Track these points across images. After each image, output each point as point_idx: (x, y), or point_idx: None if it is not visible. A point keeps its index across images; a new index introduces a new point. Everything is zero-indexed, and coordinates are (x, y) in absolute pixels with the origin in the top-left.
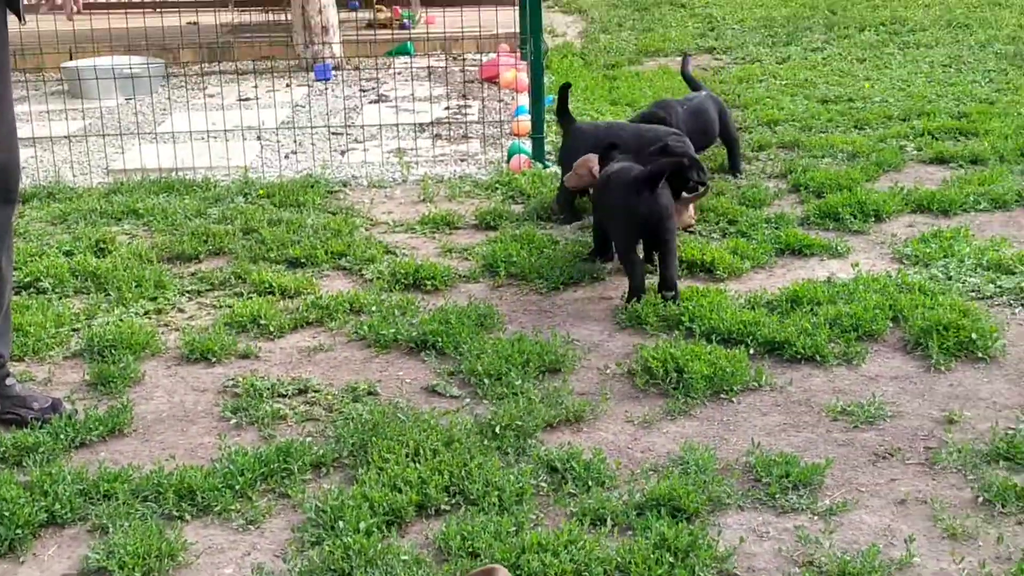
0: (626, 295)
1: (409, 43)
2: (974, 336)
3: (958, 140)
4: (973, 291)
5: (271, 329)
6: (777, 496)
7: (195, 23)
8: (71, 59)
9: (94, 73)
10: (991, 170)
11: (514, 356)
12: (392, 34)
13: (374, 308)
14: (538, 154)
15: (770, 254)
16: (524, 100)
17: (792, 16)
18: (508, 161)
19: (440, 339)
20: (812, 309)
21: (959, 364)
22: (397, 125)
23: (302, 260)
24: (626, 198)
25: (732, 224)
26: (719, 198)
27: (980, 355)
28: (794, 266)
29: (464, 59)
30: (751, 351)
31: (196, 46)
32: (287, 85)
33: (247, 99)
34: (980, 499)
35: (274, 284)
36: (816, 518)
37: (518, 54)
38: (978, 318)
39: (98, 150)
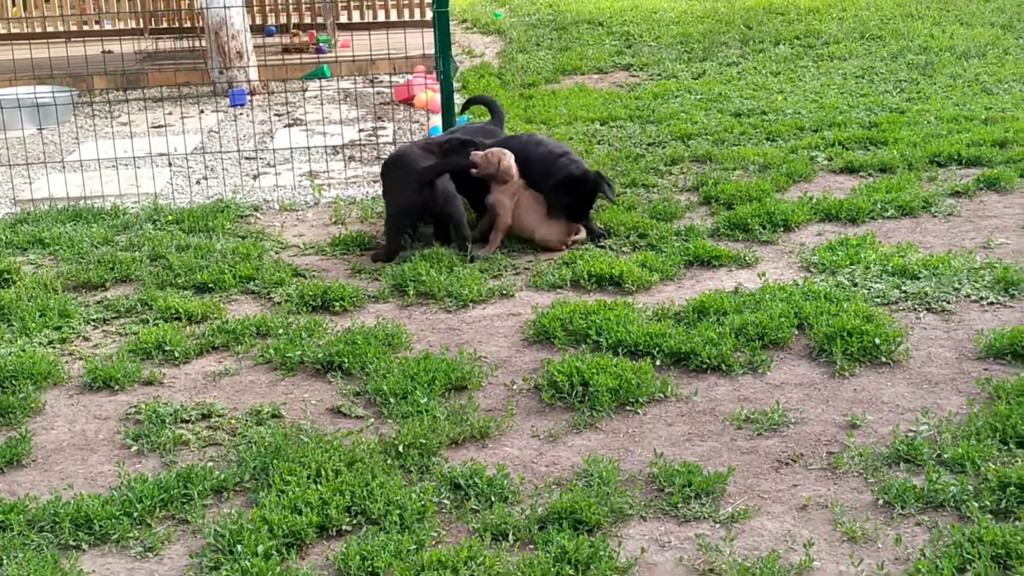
0: (377, 254)
1: (325, 66)
2: (877, 341)
3: (868, 149)
4: (878, 297)
5: (176, 355)
6: (679, 505)
7: (109, 51)
8: None
9: (0, 104)
10: (899, 177)
11: (420, 375)
12: (302, 59)
13: (281, 331)
14: None
15: (679, 266)
16: (439, 120)
17: (708, 32)
18: None
19: (346, 360)
20: (719, 319)
21: (863, 369)
22: (309, 148)
23: (210, 285)
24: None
25: (642, 237)
26: (630, 212)
27: (883, 360)
28: (703, 277)
29: (379, 81)
30: (657, 362)
31: (110, 73)
32: (201, 111)
33: (159, 126)
34: (880, 501)
35: (180, 310)
36: (718, 526)
37: (433, 75)
38: (882, 324)
39: (5, 180)
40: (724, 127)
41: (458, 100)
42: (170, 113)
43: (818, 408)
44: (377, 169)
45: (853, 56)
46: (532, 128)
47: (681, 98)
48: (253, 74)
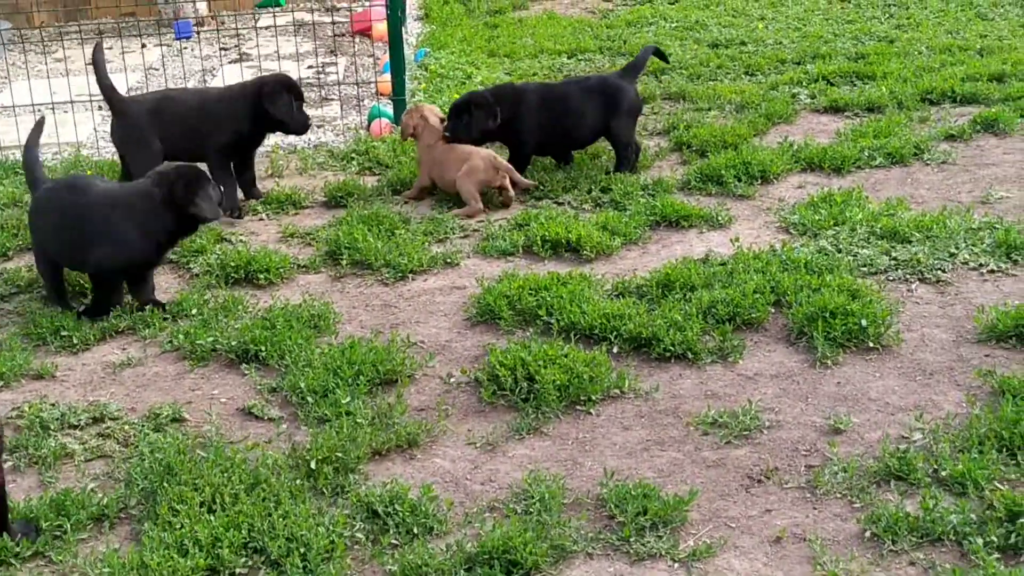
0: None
1: None
2: (864, 323)
3: (855, 85)
4: (865, 265)
5: (75, 341)
6: (632, 539)
7: None
8: None
9: None
10: (888, 119)
11: (344, 368)
12: None
13: (195, 311)
14: (399, 118)
15: (644, 227)
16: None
17: None
18: (368, 127)
19: (264, 348)
20: (685, 295)
21: (847, 356)
22: None
23: None
24: None
25: (605, 192)
26: (594, 161)
27: (871, 344)
28: (670, 241)
29: (338, 10)
30: (615, 349)
31: (47, 7)
32: (143, 46)
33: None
34: (867, 533)
35: (86, 285)
36: (677, 566)
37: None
38: (869, 301)
39: None
40: (700, 60)
41: (419, 29)
42: (110, 48)
43: (796, 407)
44: (322, 112)
45: None
46: (497, 63)
47: (655, 26)
48: (202, 4)
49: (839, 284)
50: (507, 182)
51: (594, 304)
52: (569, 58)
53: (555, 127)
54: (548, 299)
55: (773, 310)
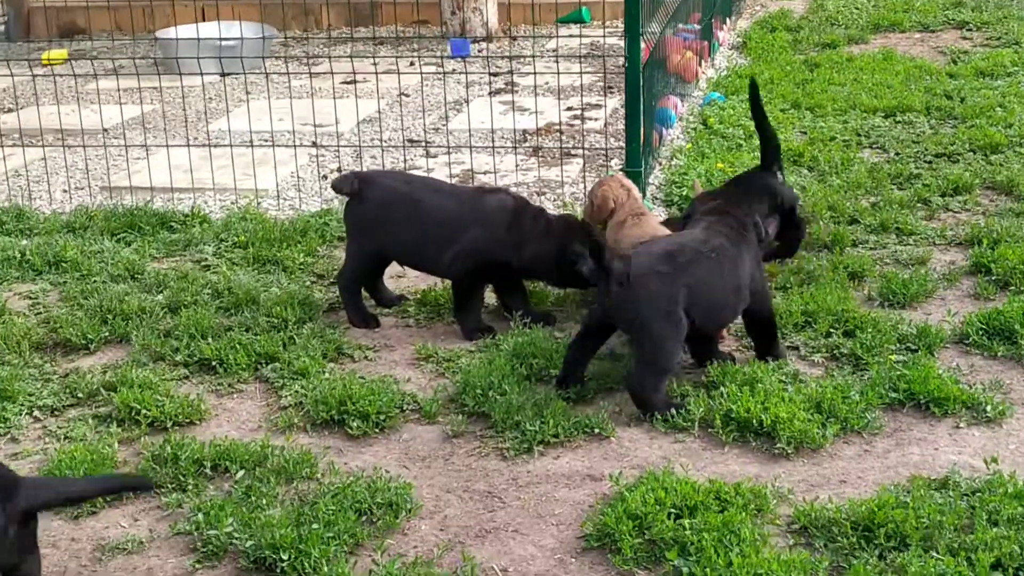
0: None
1: (584, 8)
2: None
3: None
4: None
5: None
6: None
7: None
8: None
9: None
10: None
11: None
12: None
13: (240, 472)
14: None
15: (877, 409)
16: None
17: None
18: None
19: (288, 556)
20: (887, 555)
21: None
22: (493, 132)
23: (214, 363)
24: None
25: (849, 337)
26: (853, 283)
27: None
28: (908, 437)
29: (642, 32)
30: None
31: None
32: (410, 64)
33: (351, 82)
34: None
35: (143, 406)
36: None
37: (697, 31)
38: None
39: (120, 154)
40: None
41: (725, 64)
42: (375, 64)
43: None
44: (553, 174)
45: None
46: (795, 118)
47: (1010, 79)
48: (492, 15)
49: None
50: None
51: (750, 553)
52: (885, 118)
53: None
54: (689, 532)
55: None
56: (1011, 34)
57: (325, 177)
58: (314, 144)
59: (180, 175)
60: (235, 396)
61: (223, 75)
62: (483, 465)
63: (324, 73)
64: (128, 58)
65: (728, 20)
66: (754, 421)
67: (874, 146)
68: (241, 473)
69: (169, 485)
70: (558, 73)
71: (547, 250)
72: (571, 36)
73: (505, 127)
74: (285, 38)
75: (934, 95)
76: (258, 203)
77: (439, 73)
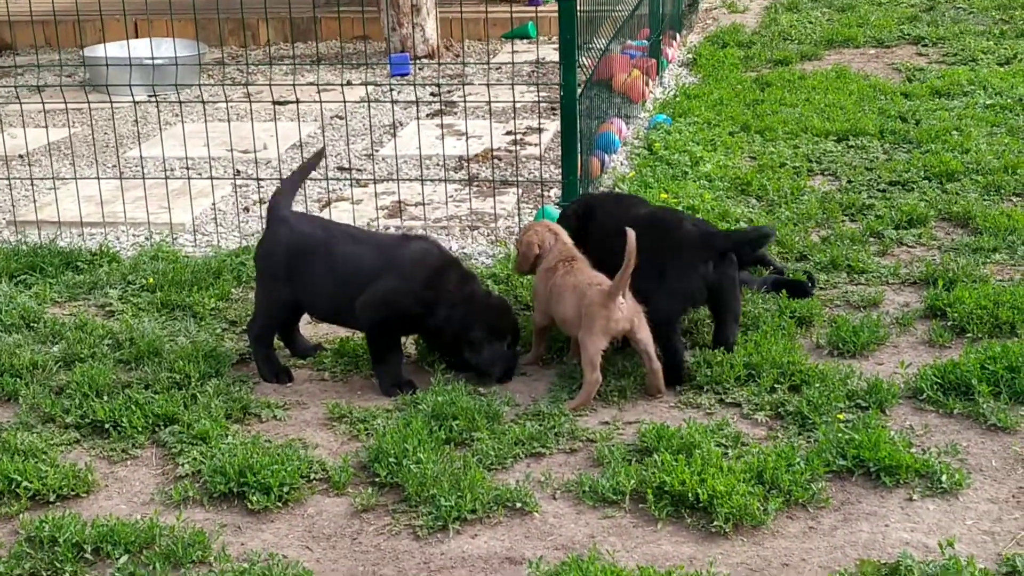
0: None
1: (531, 24)
2: None
3: None
4: None
5: None
6: None
7: None
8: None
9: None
10: None
11: None
12: (512, 9)
13: (121, 557)
14: None
15: (823, 479)
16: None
17: None
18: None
19: None
20: None
21: None
22: (423, 160)
23: (107, 426)
24: None
25: (794, 392)
26: (807, 331)
27: None
28: (856, 512)
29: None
30: None
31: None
32: (347, 83)
33: (284, 102)
34: None
35: (20, 477)
36: None
37: (645, 47)
38: None
39: (29, 184)
40: (1008, 163)
41: (674, 83)
42: (311, 83)
43: None
44: (486, 205)
45: None
46: (744, 141)
47: (967, 99)
48: (431, 31)
49: None
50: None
51: None
52: (837, 142)
53: None
54: None
55: None
56: (967, 50)
57: (247, 210)
58: (238, 173)
59: (92, 208)
60: (128, 463)
61: (153, 97)
62: (393, 546)
63: (253, 97)
64: (55, 75)
65: (679, 35)
66: (689, 495)
67: (825, 172)
68: (124, 559)
69: (44, 574)
70: (489, 101)
71: (456, 318)
72: (516, 52)
73: (439, 153)
74: (223, 55)
75: (888, 117)
76: (173, 239)
77: (371, 99)
